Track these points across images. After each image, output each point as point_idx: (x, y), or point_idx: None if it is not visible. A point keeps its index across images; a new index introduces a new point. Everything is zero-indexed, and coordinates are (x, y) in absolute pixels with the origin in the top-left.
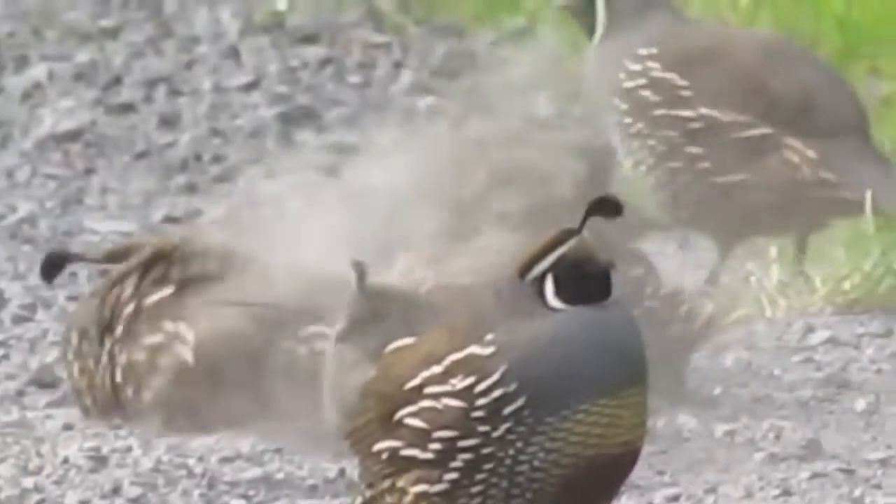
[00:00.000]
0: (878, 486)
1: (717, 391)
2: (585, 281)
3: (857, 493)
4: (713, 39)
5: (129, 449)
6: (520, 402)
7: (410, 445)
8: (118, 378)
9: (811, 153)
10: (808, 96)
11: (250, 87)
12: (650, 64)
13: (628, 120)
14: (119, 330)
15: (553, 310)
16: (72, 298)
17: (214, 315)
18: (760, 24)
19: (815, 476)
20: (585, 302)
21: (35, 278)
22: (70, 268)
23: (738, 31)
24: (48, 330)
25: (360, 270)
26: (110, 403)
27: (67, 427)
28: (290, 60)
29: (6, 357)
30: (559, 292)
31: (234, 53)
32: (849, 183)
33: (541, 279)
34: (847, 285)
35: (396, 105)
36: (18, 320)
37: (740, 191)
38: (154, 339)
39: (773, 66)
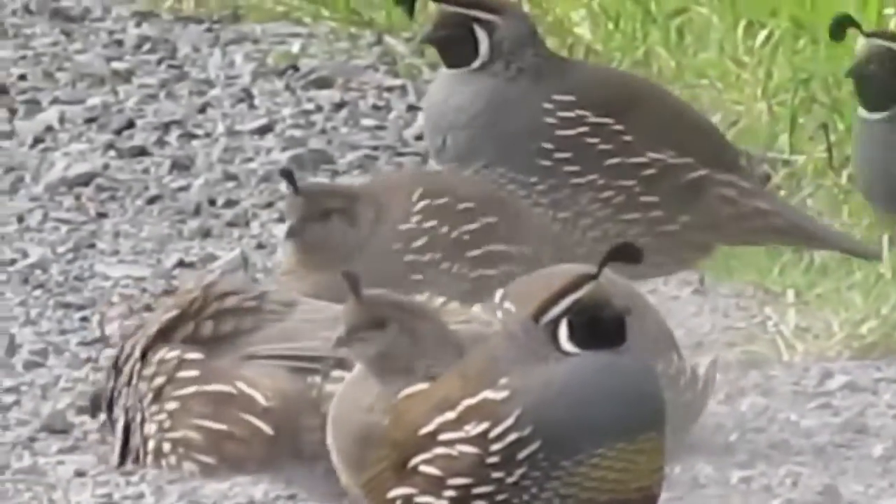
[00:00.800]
0: None
1: (734, 437)
2: (600, 326)
3: None
4: (621, 80)
5: (140, 496)
6: (534, 446)
7: (425, 493)
8: (165, 448)
9: (745, 184)
10: (719, 132)
11: (264, 130)
12: (581, 112)
13: (573, 168)
14: (172, 405)
15: (567, 354)
16: (83, 344)
17: (271, 374)
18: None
19: None
20: (600, 347)
21: (47, 323)
22: (82, 312)
23: (616, 71)
24: (60, 376)
25: (353, 280)
26: (137, 459)
27: (79, 473)
28: (304, 104)
29: (18, 403)
30: (573, 337)
31: (247, 97)
32: (779, 211)
33: (555, 323)
34: (864, 329)
35: (411, 148)
36: (30, 366)
37: (684, 233)
38: (218, 425)
39: (686, 107)
